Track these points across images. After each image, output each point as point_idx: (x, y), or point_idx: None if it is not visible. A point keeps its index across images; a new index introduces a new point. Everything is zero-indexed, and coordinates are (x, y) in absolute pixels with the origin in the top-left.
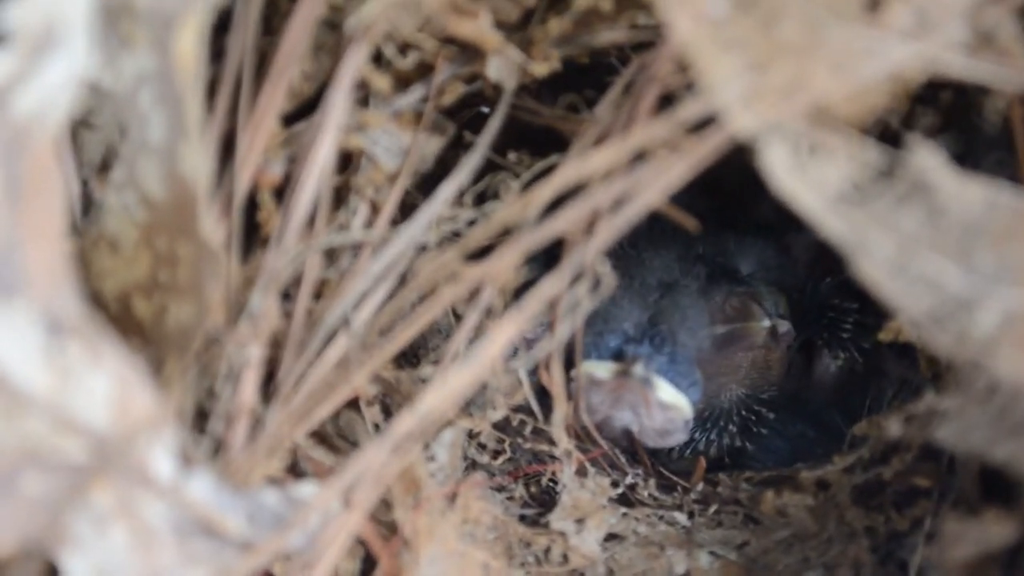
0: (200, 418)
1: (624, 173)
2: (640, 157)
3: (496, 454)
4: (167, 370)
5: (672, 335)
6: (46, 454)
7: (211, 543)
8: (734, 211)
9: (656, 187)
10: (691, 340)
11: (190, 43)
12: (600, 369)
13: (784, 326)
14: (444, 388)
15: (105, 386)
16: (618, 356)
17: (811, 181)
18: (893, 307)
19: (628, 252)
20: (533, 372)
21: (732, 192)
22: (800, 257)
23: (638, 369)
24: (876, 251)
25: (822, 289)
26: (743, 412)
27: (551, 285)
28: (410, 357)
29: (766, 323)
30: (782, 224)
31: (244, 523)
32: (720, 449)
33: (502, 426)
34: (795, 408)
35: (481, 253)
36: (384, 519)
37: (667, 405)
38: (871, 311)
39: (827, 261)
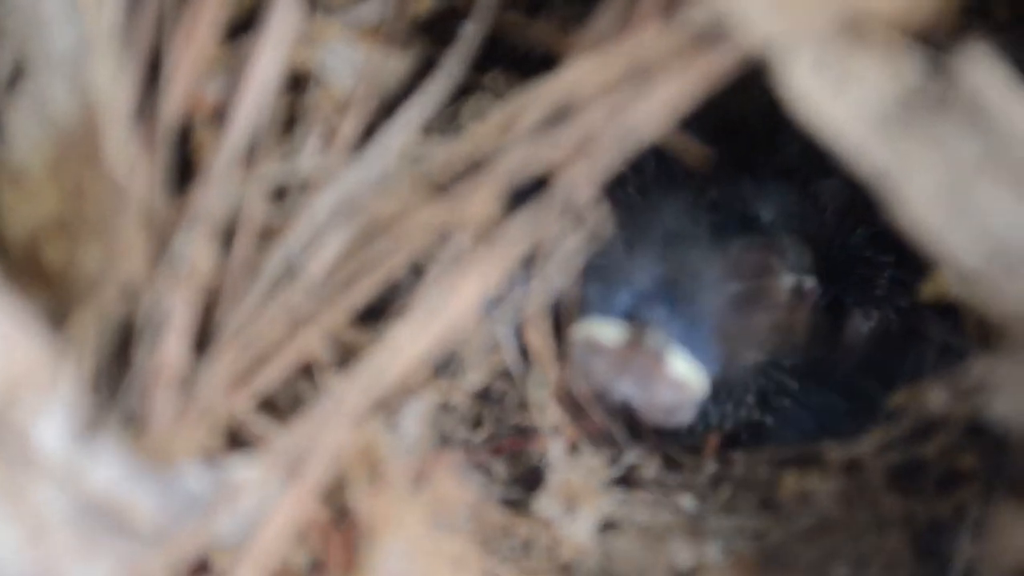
0: (116, 382)
1: (622, 92)
2: (641, 73)
3: (473, 427)
4: (72, 323)
5: (692, 296)
6: None
7: (117, 534)
8: (753, 152)
9: (661, 109)
10: (711, 303)
11: None
12: (607, 331)
13: (809, 283)
14: (409, 347)
15: None
16: (629, 317)
17: (844, 102)
18: (941, 256)
19: (634, 196)
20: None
21: (750, 131)
22: (828, 204)
23: (654, 338)
24: (923, 185)
25: (853, 240)
26: (762, 381)
27: (535, 224)
28: (371, 312)
29: (789, 281)
30: (808, 167)
31: (159, 509)
32: (736, 423)
33: (481, 394)
34: (822, 376)
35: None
36: (337, 503)
37: (680, 382)
38: (909, 265)
39: (859, 209)
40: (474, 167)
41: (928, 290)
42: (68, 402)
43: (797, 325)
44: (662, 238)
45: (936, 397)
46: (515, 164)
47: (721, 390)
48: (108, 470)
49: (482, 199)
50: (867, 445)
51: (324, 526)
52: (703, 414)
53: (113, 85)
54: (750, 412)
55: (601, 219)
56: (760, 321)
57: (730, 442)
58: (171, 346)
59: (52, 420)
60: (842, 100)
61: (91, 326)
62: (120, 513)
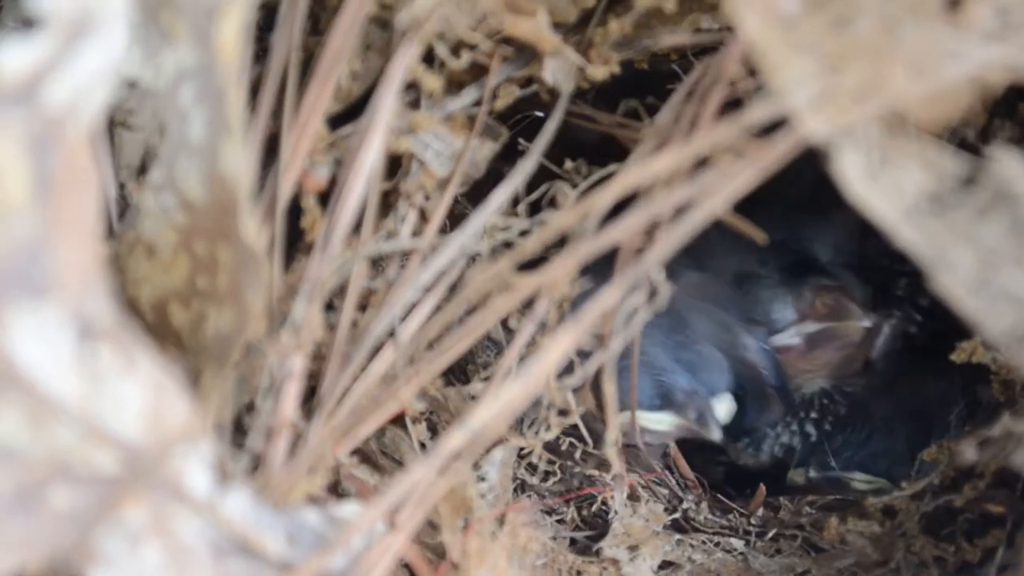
0: (239, 432)
1: (687, 180)
2: (704, 163)
3: (547, 475)
4: (204, 380)
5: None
6: (76, 466)
7: (249, 563)
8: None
9: (721, 195)
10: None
11: (233, 35)
12: (661, 424)
13: (876, 320)
14: (495, 405)
15: (139, 394)
16: (683, 404)
17: (886, 189)
18: (973, 322)
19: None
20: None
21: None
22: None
23: (712, 432)
24: (956, 265)
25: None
26: (824, 402)
27: (609, 297)
28: (459, 372)
29: (865, 323)
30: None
31: (283, 543)
32: (801, 439)
33: (553, 446)
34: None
35: (535, 263)
36: (431, 542)
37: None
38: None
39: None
40: (555, 245)
41: (960, 354)
42: (209, 448)
43: (860, 357)
44: (733, 279)
45: (967, 450)
46: (591, 243)
47: (787, 412)
48: (241, 507)
49: (562, 272)
50: (903, 493)
51: (421, 562)
52: (773, 433)
53: (243, 168)
54: (809, 430)
55: (664, 292)
56: (831, 356)
57: (787, 460)
58: (288, 402)
59: (199, 465)
60: (883, 188)
61: (223, 382)
62: (251, 544)
